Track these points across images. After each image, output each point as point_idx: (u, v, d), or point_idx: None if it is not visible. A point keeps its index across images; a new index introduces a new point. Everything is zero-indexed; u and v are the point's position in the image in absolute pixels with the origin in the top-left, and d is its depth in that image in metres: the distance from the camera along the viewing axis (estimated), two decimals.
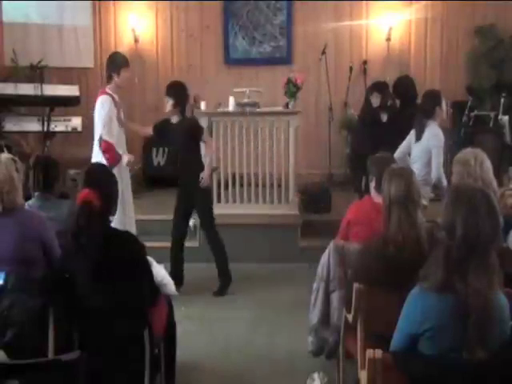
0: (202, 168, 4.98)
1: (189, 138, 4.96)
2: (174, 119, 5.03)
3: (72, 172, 6.58)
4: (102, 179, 2.86)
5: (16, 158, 3.30)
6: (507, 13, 7.62)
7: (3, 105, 6.77)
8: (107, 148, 4.82)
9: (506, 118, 6.82)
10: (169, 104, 4.97)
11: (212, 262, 5.19)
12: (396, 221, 2.71)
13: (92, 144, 5.01)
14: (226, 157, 6.16)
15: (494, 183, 3.39)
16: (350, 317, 2.84)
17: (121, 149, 5.00)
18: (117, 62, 5.09)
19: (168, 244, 5.27)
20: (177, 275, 4.85)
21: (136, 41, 8.05)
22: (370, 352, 2.04)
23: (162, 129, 5.12)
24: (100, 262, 2.65)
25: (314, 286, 3.49)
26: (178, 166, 5.09)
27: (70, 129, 7.08)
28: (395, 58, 7.82)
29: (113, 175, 3.02)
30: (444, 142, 4.71)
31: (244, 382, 3.66)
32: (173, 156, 5.16)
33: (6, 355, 2.60)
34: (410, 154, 4.87)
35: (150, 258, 3.03)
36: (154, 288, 2.96)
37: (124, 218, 4.88)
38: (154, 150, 7.97)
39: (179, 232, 5.21)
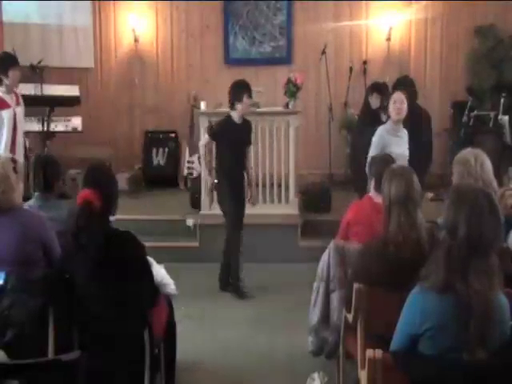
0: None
1: (249, 138, 5.15)
2: (239, 119, 5.01)
3: (72, 172, 6.58)
4: (102, 179, 2.86)
5: (16, 159, 3.30)
6: (507, 13, 7.63)
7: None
8: None
9: (506, 118, 6.82)
10: (248, 103, 4.97)
11: (212, 262, 5.19)
12: (396, 221, 2.71)
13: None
14: None
15: (495, 183, 3.39)
16: (350, 317, 2.84)
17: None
18: (4, 63, 5.01)
19: (168, 244, 5.28)
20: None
21: (136, 41, 8.05)
22: (370, 352, 2.04)
23: (224, 128, 5.04)
24: (100, 262, 2.65)
25: (314, 285, 3.49)
26: (233, 166, 5.03)
27: (70, 129, 7.09)
28: (395, 58, 7.82)
29: (113, 175, 3.02)
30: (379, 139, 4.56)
31: (244, 382, 3.66)
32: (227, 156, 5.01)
33: (6, 355, 2.60)
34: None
35: (150, 258, 3.03)
36: (154, 288, 2.96)
37: None
38: (154, 149, 7.98)
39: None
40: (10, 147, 5.02)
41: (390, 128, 4.54)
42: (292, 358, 3.86)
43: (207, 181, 5.43)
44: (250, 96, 4.98)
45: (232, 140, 4.95)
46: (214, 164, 5.24)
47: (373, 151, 4.48)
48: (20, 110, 5.20)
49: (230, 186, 5.01)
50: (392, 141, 4.48)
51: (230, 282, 5.11)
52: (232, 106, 4.99)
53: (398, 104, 4.44)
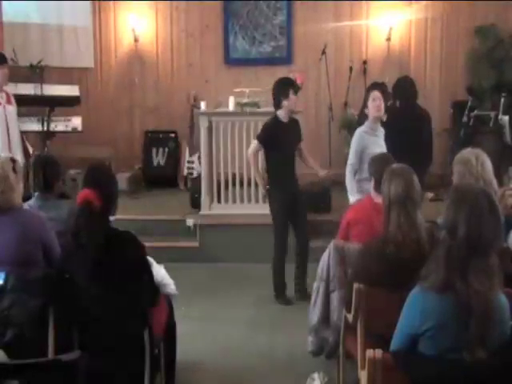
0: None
1: (299, 137, 4.98)
2: (286, 117, 4.88)
3: (72, 172, 6.58)
4: (101, 179, 2.86)
5: (15, 159, 3.30)
6: (507, 13, 7.63)
7: None
8: None
9: (506, 118, 6.82)
10: (294, 99, 4.83)
11: (212, 262, 5.19)
12: (396, 221, 2.71)
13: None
14: (226, 157, 6.16)
15: (495, 183, 3.39)
16: (350, 317, 2.84)
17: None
18: None
19: (168, 244, 5.28)
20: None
21: (136, 41, 8.05)
22: (370, 352, 2.04)
23: (273, 131, 4.87)
24: (100, 262, 2.65)
25: (314, 285, 3.49)
26: (283, 169, 4.87)
27: (70, 129, 7.08)
28: (395, 58, 7.82)
29: (113, 175, 3.02)
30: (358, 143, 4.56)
31: (244, 382, 3.66)
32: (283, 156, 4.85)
33: (6, 355, 2.60)
34: None
35: (150, 258, 3.03)
36: (154, 288, 2.96)
37: None
38: (154, 149, 7.98)
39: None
40: (8, 146, 5.02)
41: (369, 128, 4.57)
42: (292, 358, 3.87)
43: (261, 186, 5.19)
44: (295, 92, 4.83)
45: (281, 141, 4.79)
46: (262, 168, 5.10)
47: (353, 154, 4.52)
48: (12, 110, 5.17)
49: (279, 190, 4.84)
50: (371, 141, 4.52)
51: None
52: (278, 105, 4.85)
53: (378, 101, 4.50)
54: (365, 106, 4.61)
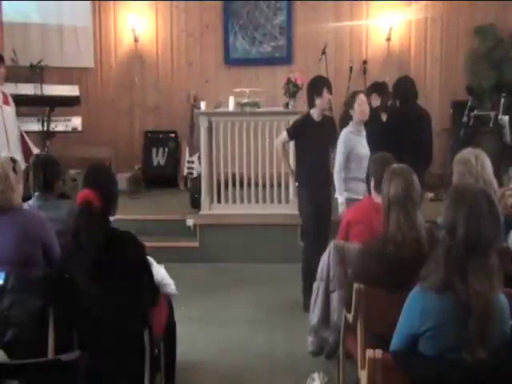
0: None
1: (334, 137, 4.77)
2: (318, 116, 4.75)
3: (72, 172, 6.58)
4: (101, 179, 2.85)
5: (16, 159, 3.30)
6: (507, 13, 7.63)
7: None
8: None
9: (506, 118, 6.82)
10: (327, 97, 4.73)
11: (212, 262, 5.19)
12: (395, 221, 2.71)
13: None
14: (226, 157, 6.16)
15: (495, 183, 3.39)
16: (350, 317, 2.84)
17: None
18: None
19: (168, 244, 5.27)
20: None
21: (136, 41, 8.06)
22: (370, 352, 2.04)
23: (304, 127, 4.76)
24: (100, 262, 2.65)
25: (314, 285, 3.49)
26: (314, 169, 4.70)
27: (70, 129, 7.09)
28: (395, 58, 7.83)
29: (113, 175, 3.02)
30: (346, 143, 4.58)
31: (244, 382, 3.65)
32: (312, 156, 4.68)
33: (6, 355, 2.60)
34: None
35: (150, 258, 3.03)
36: (154, 288, 2.96)
37: None
38: (154, 149, 7.98)
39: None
40: (7, 147, 5.01)
41: (354, 129, 4.61)
42: (292, 358, 3.86)
43: (291, 177, 5.08)
44: (330, 91, 4.73)
45: (313, 139, 4.65)
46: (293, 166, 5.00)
47: (341, 155, 4.53)
48: (10, 110, 5.16)
49: (308, 191, 4.69)
50: (356, 141, 4.57)
51: None
52: (311, 103, 4.74)
53: (364, 106, 4.56)
54: (350, 106, 4.63)
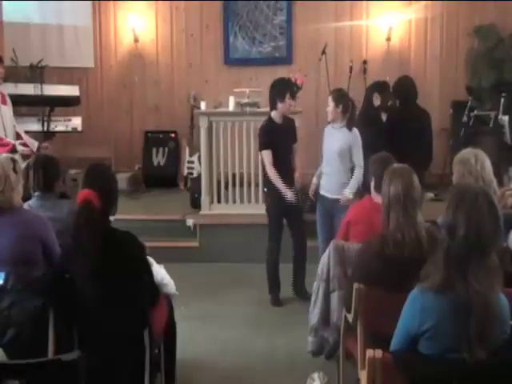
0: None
1: (294, 137, 4.97)
2: (280, 119, 4.79)
3: (72, 172, 6.58)
4: (102, 179, 2.85)
5: (16, 158, 3.30)
6: (507, 13, 7.62)
7: None
8: None
9: (506, 117, 6.81)
10: (289, 104, 4.75)
11: (212, 262, 5.19)
12: (395, 221, 2.71)
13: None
14: (226, 157, 6.16)
15: (495, 183, 3.39)
16: (350, 317, 2.84)
17: None
18: None
19: (168, 244, 5.27)
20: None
21: (136, 40, 8.05)
22: (370, 352, 2.04)
23: (269, 134, 4.78)
24: (100, 261, 2.65)
25: (314, 286, 3.49)
26: (279, 168, 4.72)
27: (70, 129, 7.08)
28: (395, 57, 7.83)
29: (113, 175, 3.02)
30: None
31: (244, 382, 3.66)
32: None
33: (5, 355, 2.60)
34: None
35: (150, 258, 3.03)
36: (154, 288, 2.96)
37: None
38: (154, 149, 7.98)
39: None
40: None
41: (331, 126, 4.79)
42: (292, 358, 3.87)
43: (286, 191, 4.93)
44: (292, 96, 4.72)
45: (278, 143, 4.71)
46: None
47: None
48: (7, 110, 5.15)
49: (278, 193, 4.70)
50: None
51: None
52: (273, 106, 4.75)
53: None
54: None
